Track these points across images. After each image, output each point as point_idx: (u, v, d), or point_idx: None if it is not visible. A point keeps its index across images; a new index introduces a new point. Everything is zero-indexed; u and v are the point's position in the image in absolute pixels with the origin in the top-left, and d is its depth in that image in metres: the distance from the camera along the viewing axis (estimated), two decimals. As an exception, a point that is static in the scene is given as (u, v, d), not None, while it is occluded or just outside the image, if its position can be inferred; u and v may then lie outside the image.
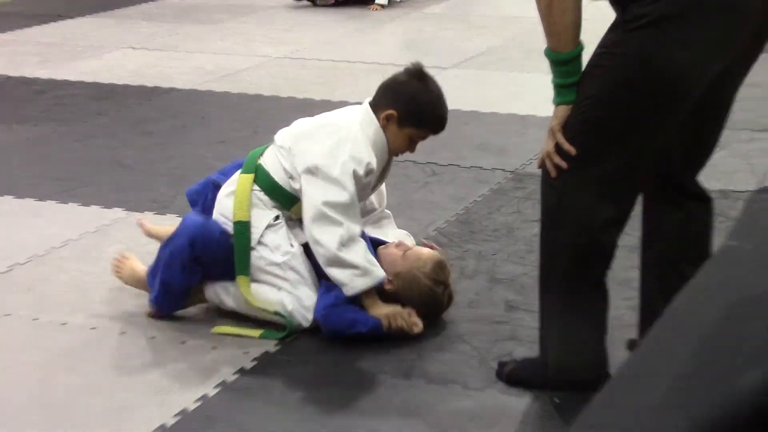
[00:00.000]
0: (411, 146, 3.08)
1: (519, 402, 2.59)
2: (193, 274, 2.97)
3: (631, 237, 3.52)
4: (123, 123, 5.16)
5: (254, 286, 2.94)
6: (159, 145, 4.76)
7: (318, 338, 2.90)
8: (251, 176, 3.01)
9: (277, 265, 2.92)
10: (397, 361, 2.81)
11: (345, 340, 2.88)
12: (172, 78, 6.03)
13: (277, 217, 2.97)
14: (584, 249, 2.35)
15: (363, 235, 2.98)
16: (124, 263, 3.14)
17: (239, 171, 3.08)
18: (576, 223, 2.33)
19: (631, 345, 2.81)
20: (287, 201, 2.99)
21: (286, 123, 5.03)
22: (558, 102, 2.30)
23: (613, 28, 2.23)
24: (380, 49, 6.84)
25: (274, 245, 2.94)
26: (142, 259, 3.16)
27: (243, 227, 2.94)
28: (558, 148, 2.28)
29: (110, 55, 6.67)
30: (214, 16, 8.07)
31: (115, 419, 2.56)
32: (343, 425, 2.52)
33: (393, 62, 6.44)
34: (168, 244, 2.99)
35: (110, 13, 8.17)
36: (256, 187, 2.99)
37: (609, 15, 2.31)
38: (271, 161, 3.02)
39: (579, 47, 2.26)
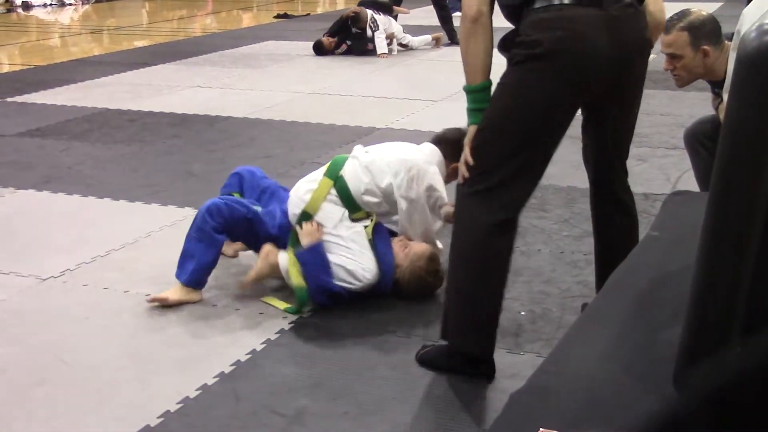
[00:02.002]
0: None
1: (498, 354, 2.56)
2: (216, 243, 2.89)
3: (576, 228, 3.50)
4: (192, 143, 5.14)
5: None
6: (219, 160, 4.74)
7: (338, 309, 2.87)
8: (331, 183, 2.98)
9: (341, 237, 2.90)
10: (403, 324, 2.78)
11: (361, 311, 2.86)
12: (229, 109, 6.00)
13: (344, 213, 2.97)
14: (475, 248, 2.21)
15: (380, 227, 2.98)
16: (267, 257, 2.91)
17: (322, 171, 3.05)
18: (467, 226, 2.21)
19: (583, 307, 2.79)
20: (354, 208, 2.99)
21: (316, 142, 5.04)
22: (470, 123, 2.27)
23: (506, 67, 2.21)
24: (386, 86, 6.81)
25: (339, 224, 2.94)
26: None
27: (307, 217, 2.94)
28: (465, 160, 2.24)
29: (183, 92, 6.65)
30: (260, 62, 8.05)
31: (187, 366, 2.54)
32: (357, 370, 2.50)
33: (395, 96, 6.43)
34: (192, 224, 2.92)
35: (183, 61, 8.15)
36: (333, 191, 2.97)
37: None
38: (352, 176, 2.98)
39: (487, 82, 2.21)
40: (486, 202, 2.17)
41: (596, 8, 2.04)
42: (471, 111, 2.25)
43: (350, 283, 2.86)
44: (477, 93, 2.22)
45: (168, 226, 3.70)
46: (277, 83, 6.98)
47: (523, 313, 2.82)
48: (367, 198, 2.96)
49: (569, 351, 1.54)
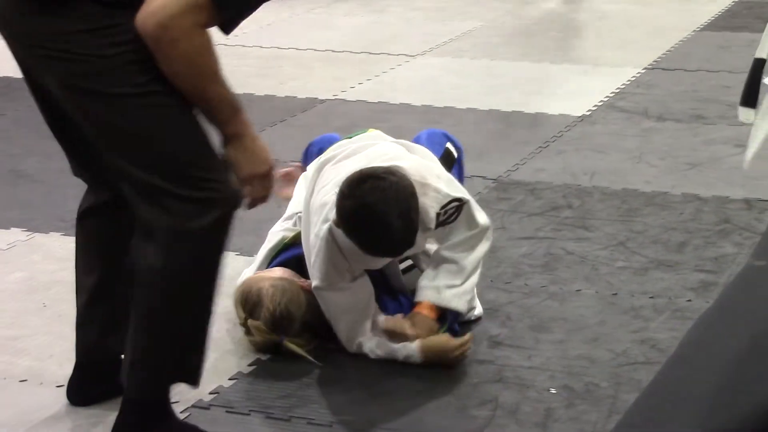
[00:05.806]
0: None
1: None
2: None
3: (637, 256, 3.54)
4: (23, 122, 5.10)
5: None
6: (68, 151, 4.72)
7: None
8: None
9: (270, 231, 3.33)
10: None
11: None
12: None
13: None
14: None
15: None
16: None
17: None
18: None
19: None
20: None
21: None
22: None
23: None
24: (334, 34, 6.84)
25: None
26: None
27: None
28: None
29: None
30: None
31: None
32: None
33: (349, 49, 6.44)
34: None
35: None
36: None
37: None
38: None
39: None
40: None
41: None
42: None
43: None
44: None
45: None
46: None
47: (553, 390, 2.84)
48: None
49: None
